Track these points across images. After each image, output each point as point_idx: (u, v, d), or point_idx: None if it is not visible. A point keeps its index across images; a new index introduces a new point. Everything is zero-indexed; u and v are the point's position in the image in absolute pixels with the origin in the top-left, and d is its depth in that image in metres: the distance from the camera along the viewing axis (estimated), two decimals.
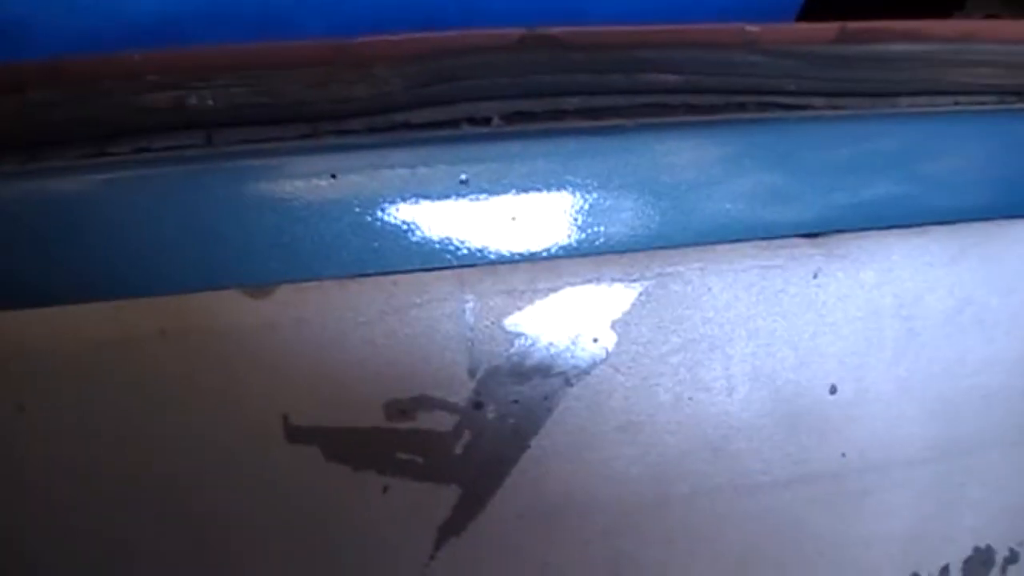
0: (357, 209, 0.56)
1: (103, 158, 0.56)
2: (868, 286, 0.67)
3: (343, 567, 0.64)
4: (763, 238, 0.63)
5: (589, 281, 0.61)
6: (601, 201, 0.59)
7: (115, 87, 0.56)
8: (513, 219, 0.58)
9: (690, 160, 0.61)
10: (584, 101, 0.62)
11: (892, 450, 0.72)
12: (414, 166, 0.56)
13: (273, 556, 0.63)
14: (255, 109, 0.57)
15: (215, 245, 0.55)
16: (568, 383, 0.63)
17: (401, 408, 0.61)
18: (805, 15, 0.98)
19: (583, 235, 0.59)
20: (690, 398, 0.66)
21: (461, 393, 0.61)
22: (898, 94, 0.68)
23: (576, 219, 0.59)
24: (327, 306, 0.58)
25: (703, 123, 0.63)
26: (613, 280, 0.62)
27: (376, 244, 0.56)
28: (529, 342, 0.61)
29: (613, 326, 0.63)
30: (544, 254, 0.59)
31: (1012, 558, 0.79)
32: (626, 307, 0.63)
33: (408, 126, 0.59)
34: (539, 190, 0.58)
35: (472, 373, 0.61)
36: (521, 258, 0.59)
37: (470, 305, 0.60)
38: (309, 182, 0.55)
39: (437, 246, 0.57)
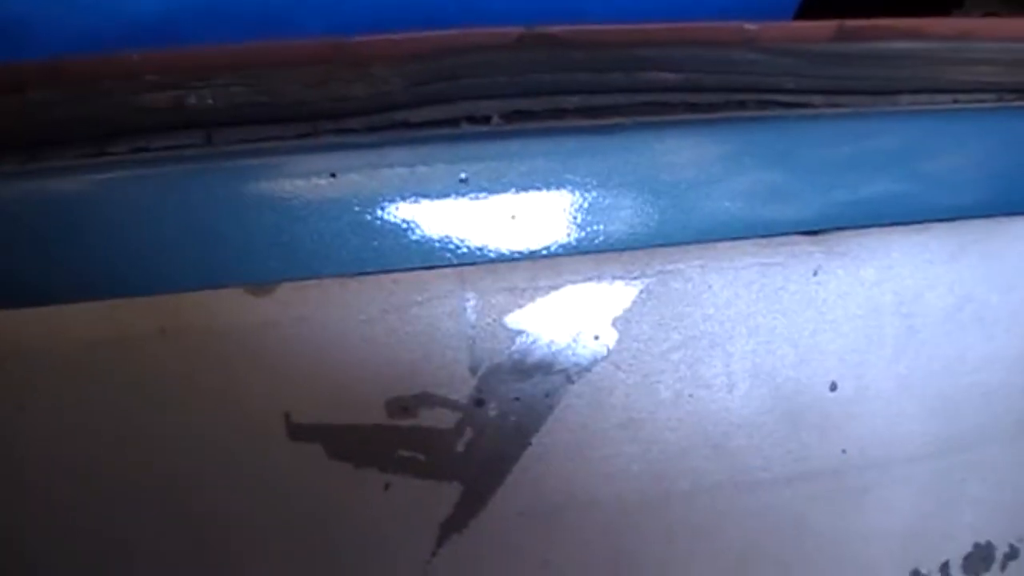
0: (357, 208, 0.56)
1: (103, 157, 0.56)
2: (868, 283, 0.67)
3: (345, 564, 0.64)
4: (763, 236, 0.63)
5: (590, 279, 0.61)
6: (601, 200, 0.59)
7: (115, 87, 0.56)
8: (513, 217, 0.58)
9: (690, 158, 0.61)
10: (584, 100, 0.62)
11: (892, 447, 0.72)
12: (414, 165, 0.56)
13: (274, 554, 0.63)
14: (255, 108, 0.57)
15: (215, 244, 0.55)
16: (569, 380, 0.63)
17: (403, 406, 0.61)
18: (803, 13, 0.98)
19: (583, 233, 0.59)
20: (691, 395, 0.66)
21: (463, 390, 0.61)
22: (897, 92, 0.68)
23: (576, 217, 0.59)
24: (328, 304, 0.58)
25: (703, 121, 0.63)
26: (614, 278, 0.62)
27: (376, 243, 0.56)
28: (530, 339, 0.61)
29: (614, 323, 0.63)
30: (544, 252, 0.59)
31: (1012, 554, 0.79)
32: (627, 304, 0.63)
33: (407, 125, 0.59)
34: (539, 189, 0.58)
35: (473, 370, 0.61)
36: (521, 256, 0.59)
37: (471, 303, 0.60)
38: (309, 181, 0.55)
39: (437, 245, 0.57)
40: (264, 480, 0.61)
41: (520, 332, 0.61)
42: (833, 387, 0.69)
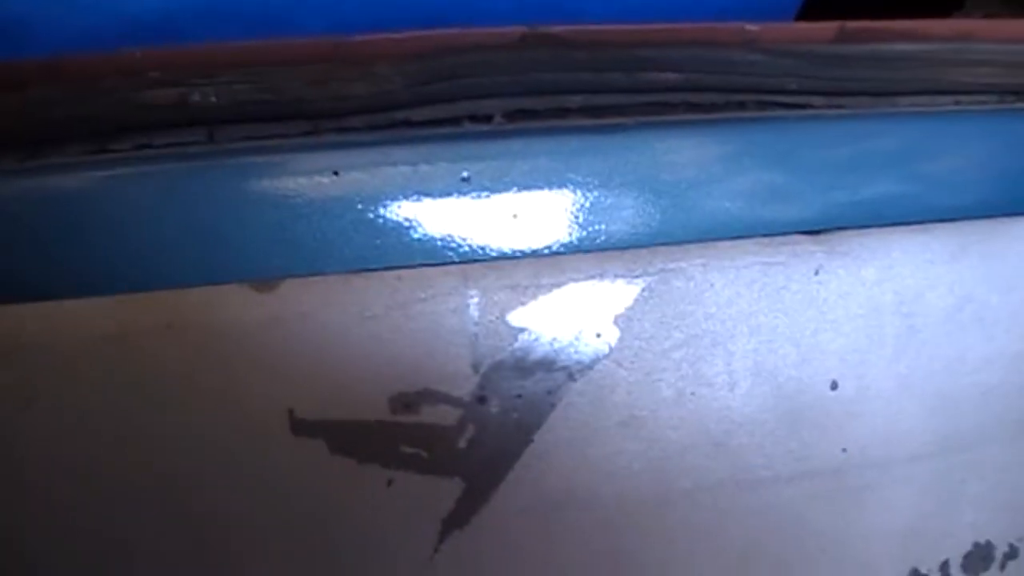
0: (359, 206, 0.56)
1: (107, 155, 0.56)
2: (869, 283, 0.67)
3: (346, 561, 0.64)
4: (765, 235, 0.64)
5: (592, 277, 0.62)
6: (603, 199, 0.59)
7: (117, 84, 0.56)
8: (515, 216, 0.58)
9: (691, 158, 0.61)
10: (586, 99, 0.62)
11: (892, 446, 0.72)
12: (416, 163, 0.56)
13: (277, 549, 0.63)
14: (257, 106, 0.58)
15: (218, 242, 0.55)
16: (571, 378, 0.63)
17: (405, 402, 0.61)
18: (804, 15, 0.99)
19: (584, 233, 0.59)
20: (692, 393, 0.66)
21: (465, 387, 0.61)
22: (898, 93, 0.68)
23: (578, 216, 0.59)
24: (332, 300, 0.58)
25: (704, 121, 0.63)
26: (616, 276, 0.62)
27: (379, 241, 0.57)
28: (532, 337, 0.62)
29: (616, 321, 0.63)
30: (546, 250, 0.59)
31: (1012, 554, 0.79)
32: (629, 303, 0.63)
33: (409, 124, 0.59)
34: (541, 187, 0.58)
35: (476, 368, 0.61)
36: (523, 255, 0.59)
37: (474, 300, 0.60)
38: (311, 179, 0.55)
39: (439, 244, 0.57)
40: (268, 474, 0.61)
41: (522, 329, 0.61)
42: (834, 386, 0.69)
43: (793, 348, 0.67)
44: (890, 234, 0.67)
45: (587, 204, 0.59)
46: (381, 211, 0.56)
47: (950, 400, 0.72)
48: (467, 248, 0.58)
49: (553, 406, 0.63)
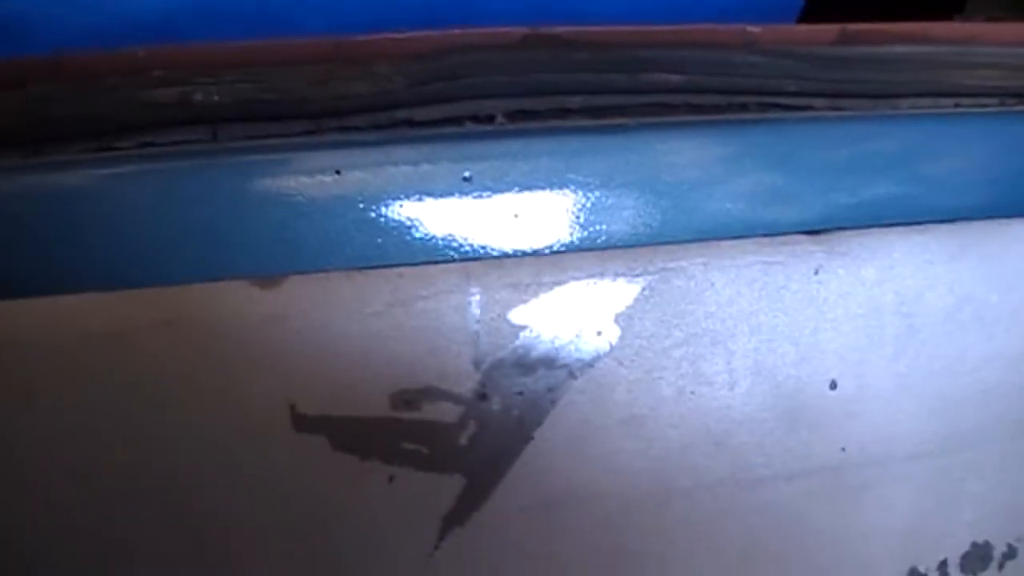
0: (361, 205, 0.56)
1: (111, 152, 0.56)
2: (869, 283, 0.67)
3: (348, 557, 0.64)
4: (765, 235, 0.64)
5: (593, 275, 0.62)
6: (603, 199, 0.59)
7: (120, 83, 0.56)
8: (516, 216, 0.58)
9: (691, 159, 0.61)
10: (587, 100, 0.62)
11: (892, 445, 0.72)
12: (418, 163, 0.57)
13: (278, 545, 0.63)
14: (260, 105, 0.58)
15: (220, 241, 0.55)
16: (572, 376, 0.63)
17: (407, 399, 0.61)
18: (806, 17, 0.99)
19: (585, 232, 0.60)
20: (692, 392, 0.66)
21: (466, 384, 0.61)
22: (899, 96, 0.68)
23: (579, 216, 0.59)
24: (334, 297, 0.58)
25: (704, 123, 0.63)
26: (617, 274, 0.62)
27: (380, 240, 0.57)
28: (534, 335, 0.62)
29: (617, 320, 0.63)
30: (547, 250, 0.59)
31: (1010, 554, 0.79)
32: (629, 301, 0.63)
33: (411, 123, 0.60)
34: (542, 187, 0.59)
35: (477, 365, 0.61)
36: (525, 253, 0.59)
37: (476, 298, 0.60)
38: (313, 178, 0.55)
39: (441, 243, 0.58)
40: (268, 473, 0.61)
41: (524, 327, 0.61)
42: (833, 385, 0.69)
43: (793, 347, 0.67)
44: (890, 234, 0.67)
45: (588, 204, 0.59)
46: (383, 210, 0.56)
47: (949, 400, 0.73)
48: (468, 248, 0.58)
49: (554, 404, 0.63)
